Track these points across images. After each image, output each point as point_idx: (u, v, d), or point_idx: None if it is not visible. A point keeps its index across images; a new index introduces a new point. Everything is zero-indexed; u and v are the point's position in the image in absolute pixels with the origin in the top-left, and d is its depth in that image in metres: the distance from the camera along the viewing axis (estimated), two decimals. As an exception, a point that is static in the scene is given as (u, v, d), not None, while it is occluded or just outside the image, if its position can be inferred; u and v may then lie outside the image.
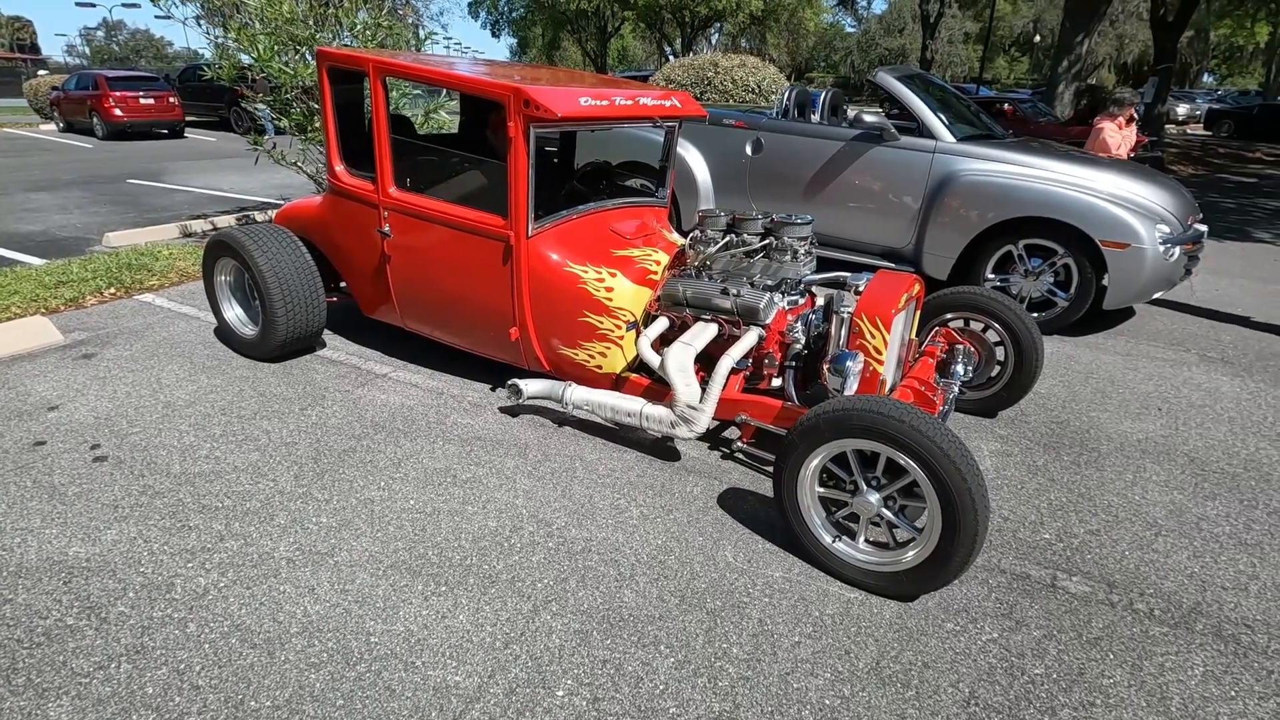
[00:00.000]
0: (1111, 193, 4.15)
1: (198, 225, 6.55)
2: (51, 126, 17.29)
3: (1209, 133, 23.10)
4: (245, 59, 5.62)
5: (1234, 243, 7.41)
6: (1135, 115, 6.54)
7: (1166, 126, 19.76)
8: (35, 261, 5.41)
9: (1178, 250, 4.14)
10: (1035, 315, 4.37)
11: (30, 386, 3.27)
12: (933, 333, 3.09)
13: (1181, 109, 26.52)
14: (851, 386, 2.41)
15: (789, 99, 5.31)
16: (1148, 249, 4.01)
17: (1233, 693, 1.85)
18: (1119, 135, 6.27)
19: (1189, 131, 24.03)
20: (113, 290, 4.60)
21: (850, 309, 2.57)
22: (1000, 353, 3.06)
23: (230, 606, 2.01)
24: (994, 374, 3.12)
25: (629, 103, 2.95)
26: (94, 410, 3.07)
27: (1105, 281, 4.14)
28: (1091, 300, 4.24)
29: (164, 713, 1.68)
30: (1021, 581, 2.22)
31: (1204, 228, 4.54)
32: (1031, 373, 3.01)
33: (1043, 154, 4.48)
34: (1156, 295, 4.28)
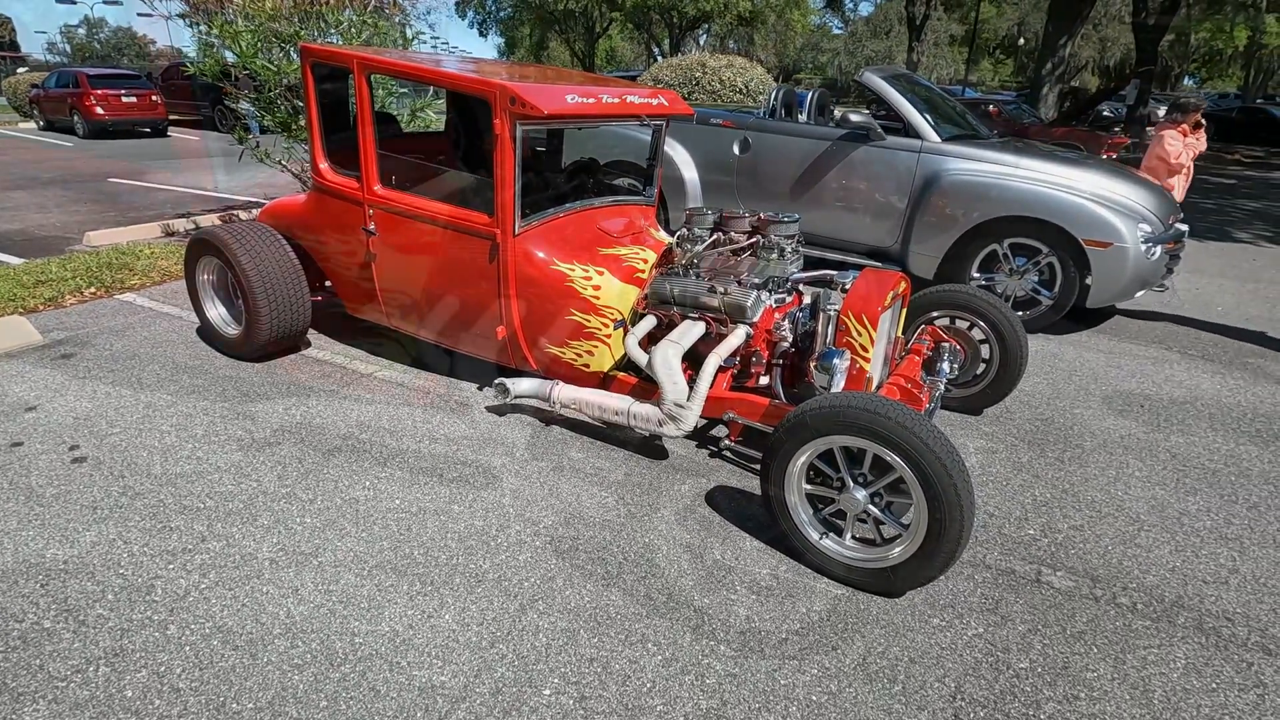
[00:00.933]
0: (1094, 192, 4.19)
1: (180, 224, 6.47)
2: (31, 125, 17.04)
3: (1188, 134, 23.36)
4: (229, 56, 5.56)
5: (1214, 242, 7.52)
6: (1203, 121, 5.80)
7: (1147, 129, 19.99)
8: (13, 261, 5.32)
9: (1159, 249, 4.19)
10: (1020, 313, 4.41)
11: (7, 387, 3.21)
12: (919, 331, 3.11)
13: (1162, 111, 26.87)
14: (838, 384, 2.41)
15: (776, 99, 5.32)
16: (1130, 248, 4.06)
17: (1214, 685, 1.87)
18: (1180, 143, 5.60)
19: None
20: (93, 290, 4.54)
21: (837, 307, 2.58)
22: (985, 350, 3.08)
23: (212, 608, 1.98)
24: (979, 371, 3.14)
25: (616, 101, 2.94)
26: (73, 411, 3.02)
27: (1088, 280, 4.19)
28: (1075, 298, 4.28)
29: (144, 716, 1.65)
30: (1006, 577, 2.24)
31: (1185, 227, 4.60)
32: (1016, 370, 3.04)
33: (1027, 154, 4.52)
34: (1138, 294, 4.33)
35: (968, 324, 3.07)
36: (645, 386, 2.90)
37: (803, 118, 5.32)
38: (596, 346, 2.91)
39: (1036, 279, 4.38)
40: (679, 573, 2.19)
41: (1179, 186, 5.72)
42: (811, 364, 2.58)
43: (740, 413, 2.68)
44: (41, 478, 2.55)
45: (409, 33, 6.57)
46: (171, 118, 16.11)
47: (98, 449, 2.74)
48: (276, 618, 1.95)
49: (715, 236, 3.00)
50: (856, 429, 1.98)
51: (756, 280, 2.85)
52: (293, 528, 2.33)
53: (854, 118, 4.74)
